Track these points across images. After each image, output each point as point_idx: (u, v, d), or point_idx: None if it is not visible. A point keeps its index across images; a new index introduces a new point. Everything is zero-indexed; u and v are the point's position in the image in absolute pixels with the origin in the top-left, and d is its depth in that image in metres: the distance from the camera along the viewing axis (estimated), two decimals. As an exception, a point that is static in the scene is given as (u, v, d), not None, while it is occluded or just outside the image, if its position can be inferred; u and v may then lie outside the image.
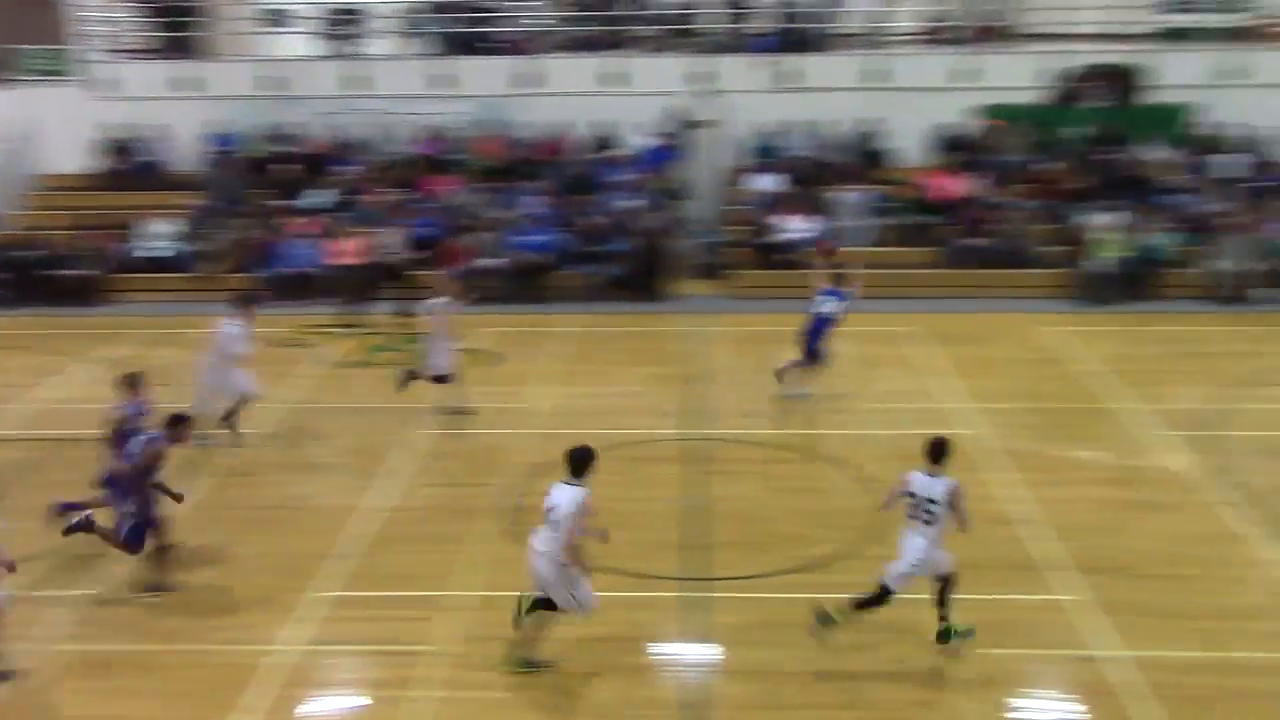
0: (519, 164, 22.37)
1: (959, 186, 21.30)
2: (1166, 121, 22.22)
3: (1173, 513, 12.05)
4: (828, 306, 15.02)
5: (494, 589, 10.31)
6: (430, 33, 23.86)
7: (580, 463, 8.94)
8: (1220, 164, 21.64)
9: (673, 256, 20.91)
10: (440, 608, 10.20)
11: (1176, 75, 22.08)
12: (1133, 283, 19.80)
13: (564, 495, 8.83)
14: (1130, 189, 21.03)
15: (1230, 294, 19.66)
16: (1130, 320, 19.04)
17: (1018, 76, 22.29)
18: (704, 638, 9.78)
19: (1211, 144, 21.98)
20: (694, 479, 12.94)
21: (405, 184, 21.94)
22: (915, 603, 9.45)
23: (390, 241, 19.84)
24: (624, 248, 20.44)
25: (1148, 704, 8.77)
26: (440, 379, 14.63)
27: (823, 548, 11.19)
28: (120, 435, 10.63)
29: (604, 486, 12.69)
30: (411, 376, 14.76)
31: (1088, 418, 14.85)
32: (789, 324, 18.95)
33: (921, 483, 9.13)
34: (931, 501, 9.06)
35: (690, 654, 9.62)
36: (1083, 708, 8.85)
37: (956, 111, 22.21)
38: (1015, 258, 20.44)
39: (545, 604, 9.10)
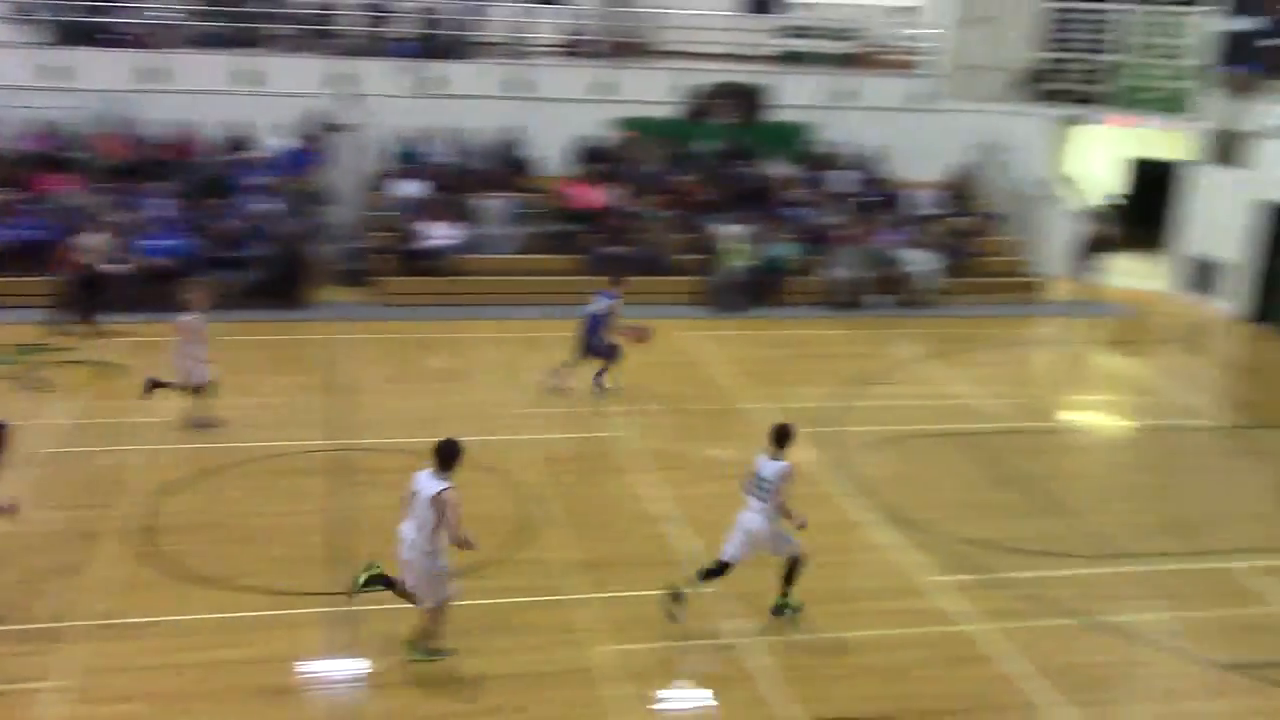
0: (145, 164, 21.05)
1: (599, 196, 21.88)
2: (787, 139, 23.73)
3: (797, 504, 12.81)
4: (597, 306, 15.69)
5: (120, 616, 9.67)
6: (43, 20, 22.08)
7: (448, 455, 8.94)
8: (834, 179, 23.34)
9: (314, 263, 20.32)
10: (61, 640, 9.46)
11: (795, 96, 23.62)
12: (759, 289, 20.99)
13: (427, 488, 8.84)
14: (756, 201, 22.31)
15: (846, 300, 21.22)
16: (758, 325, 20.18)
17: (652, 91, 23.16)
18: (352, 653, 9.56)
19: (827, 161, 23.66)
20: (339, 491, 12.63)
21: (14, 183, 20.20)
22: (551, 605, 9.62)
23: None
24: (262, 253, 19.66)
25: (780, 686, 9.32)
26: (197, 389, 14.02)
27: (467, 555, 11.13)
28: None
29: (243, 501, 12.29)
30: (155, 385, 14.06)
31: (722, 418, 15.61)
32: (435, 331, 18.82)
33: (760, 463, 9.97)
34: (765, 480, 9.86)
35: (339, 671, 9.38)
36: (723, 693, 9.31)
37: (595, 123, 22.81)
38: (653, 265, 21.18)
39: (385, 581, 9.20)
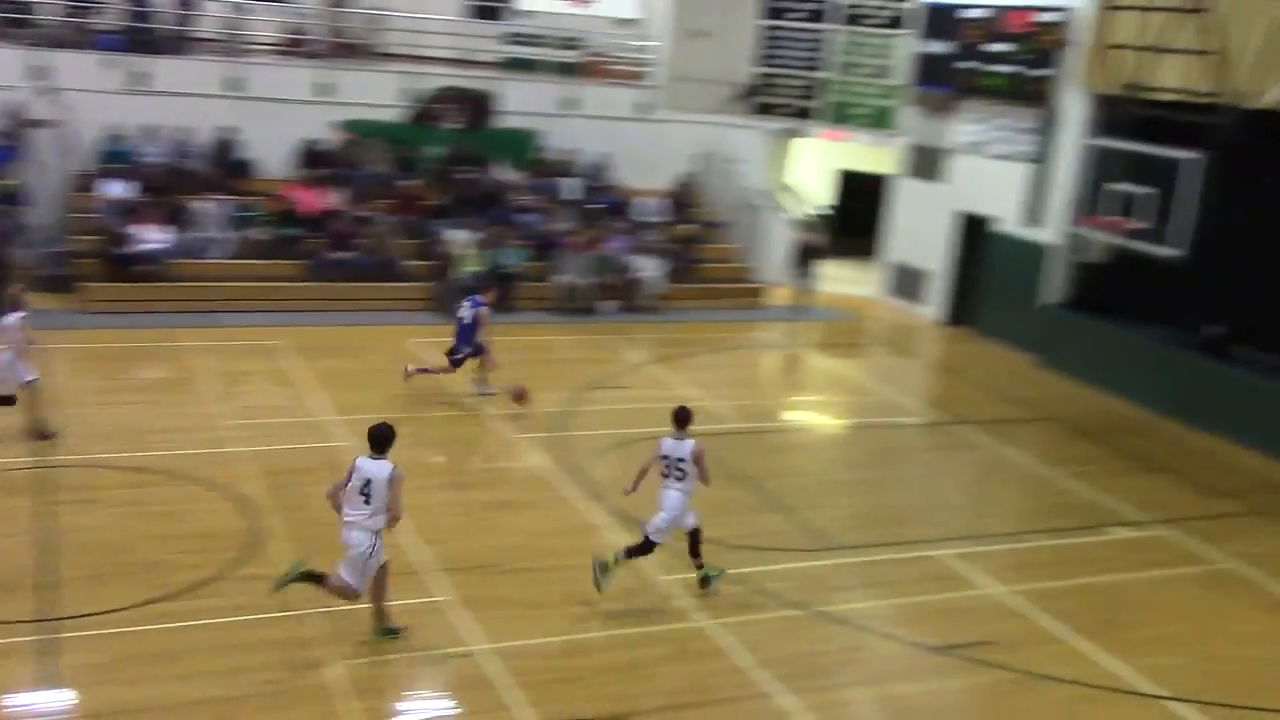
0: None
1: (322, 200, 21.32)
2: (516, 145, 23.77)
3: (532, 510, 12.91)
4: (464, 312, 16.10)
5: None
6: None
7: (382, 439, 9.61)
8: (563, 186, 23.56)
9: (12, 266, 18.90)
10: None
11: (522, 103, 23.71)
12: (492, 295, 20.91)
13: (376, 470, 9.47)
14: (485, 207, 22.27)
15: (576, 305, 21.45)
16: (492, 331, 20.07)
17: (376, 94, 22.72)
18: (56, 683, 8.94)
19: (554, 168, 23.86)
20: (41, 511, 11.80)
21: None
22: (280, 621, 9.31)
23: None
24: (-50, 257, 18.17)
25: (519, 691, 9.32)
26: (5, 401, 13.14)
27: (189, 573, 10.67)
28: None
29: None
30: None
31: (454, 424, 15.50)
32: (147, 339, 17.87)
33: (670, 446, 10.73)
34: (681, 460, 10.67)
35: (43, 704, 8.75)
36: (464, 702, 9.23)
37: (317, 125, 22.21)
38: (382, 271, 20.83)
39: (314, 577, 9.63)
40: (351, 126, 22.53)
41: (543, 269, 21.75)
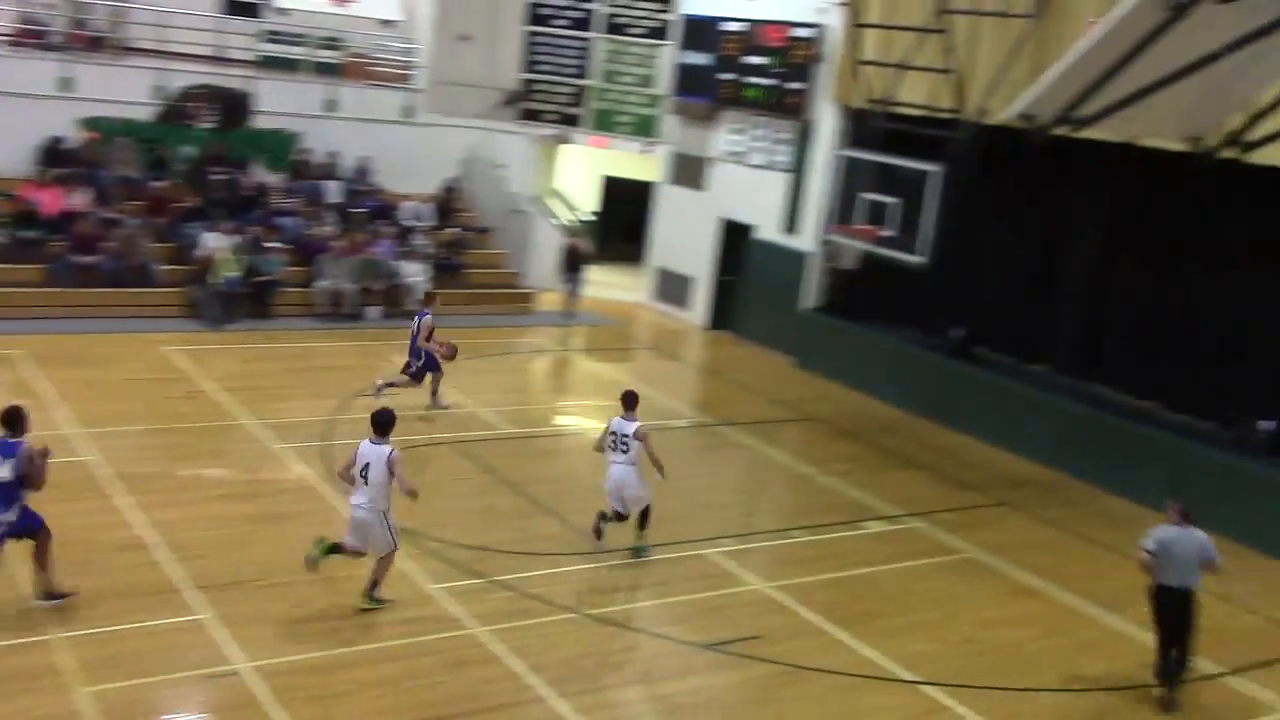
0: None
1: (65, 201, 20.12)
2: (274, 146, 23.04)
3: (296, 522, 12.50)
4: (413, 323, 16.30)
5: None
6: None
7: (384, 424, 10.52)
8: (325, 189, 22.97)
9: None
10: None
11: (281, 103, 22.99)
12: (251, 301, 20.21)
13: (375, 454, 10.36)
14: (243, 210, 21.48)
15: (339, 311, 20.93)
16: (251, 338, 19.43)
17: (124, 90, 21.60)
18: None
19: (316, 170, 23.23)
20: None
21: None
22: (30, 648, 8.74)
23: None
24: None
25: (287, 709, 9.01)
26: None
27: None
28: None
29: None
30: None
31: (213, 435, 14.87)
32: None
33: (618, 424, 12.24)
34: (625, 437, 12.10)
35: None
36: (220, 725, 8.87)
37: (61, 122, 20.95)
38: (131, 276, 19.81)
39: (337, 549, 10.59)
40: (96, 124, 21.35)
41: (304, 274, 21.13)
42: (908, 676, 10.70)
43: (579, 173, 27.86)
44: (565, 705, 9.59)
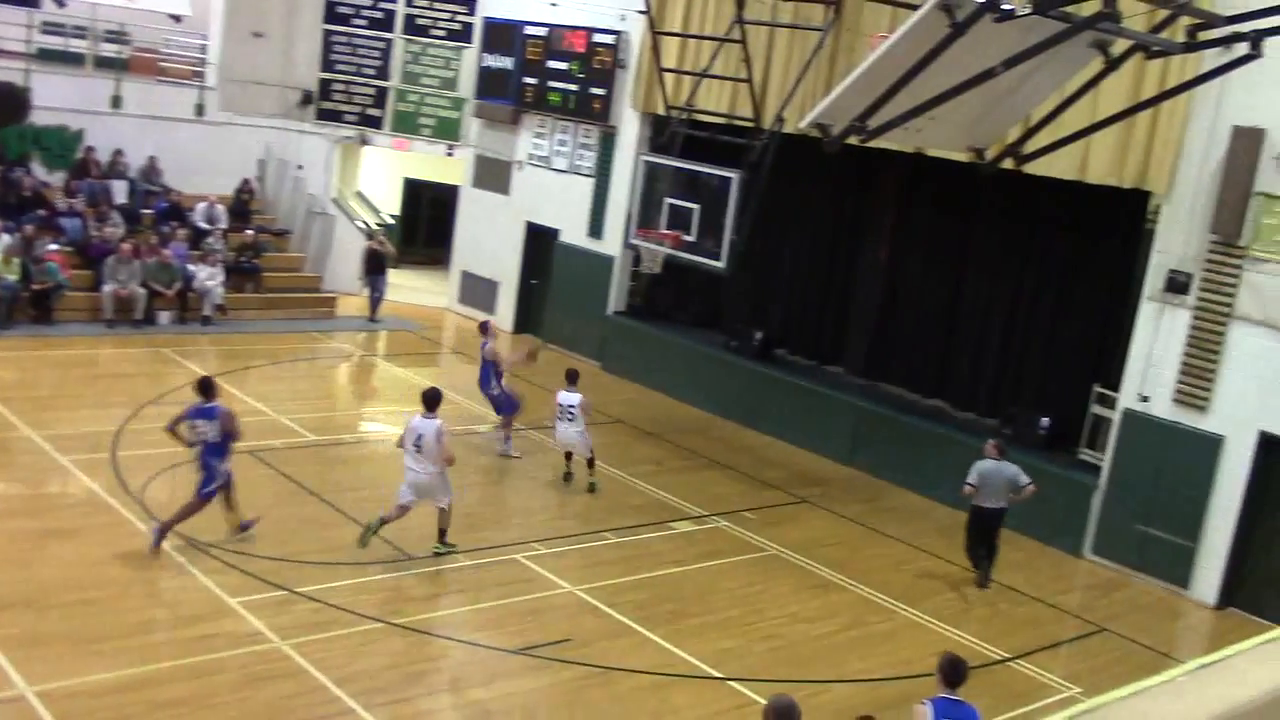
0: None
1: None
2: (55, 144, 21.89)
3: (82, 537, 11.94)
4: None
5: None
6: None
7: (433, 401, 12.23)
8: (111, 189, 21.95)
9: None
10: None
11: (64, 99, 21.85)
12: (31, 306, 19.17)
13: (426, 427, 12.02)
14: (20, 210, 20.34)
15: (127, 316, 20.03)
16: (31, 344, 18.42)
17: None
18: None
19: (102, 170, 22.18)
20: None
21: None
22: None
23: None
24: None
25: (72, 734, 8.59)
26: None
27: None
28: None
29: None
30: None
31: (-12, 449, 14.06)
32: None
33: (564, 397, 14.99)
34: (571, 407, 14.93)
35: None
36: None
37: None
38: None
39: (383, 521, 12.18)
40: None
41: (89, 277, 20.15)
42: (715, 673, 10.91)
43: (381, 175, 27.43)
44: (373, 717, 9.41)
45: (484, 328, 17.22)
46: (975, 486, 13.29)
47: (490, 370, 16.47)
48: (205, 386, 12.07)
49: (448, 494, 12.40)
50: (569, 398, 14.98)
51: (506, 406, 16.47)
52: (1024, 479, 13.41)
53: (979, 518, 13.64)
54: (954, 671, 7.67)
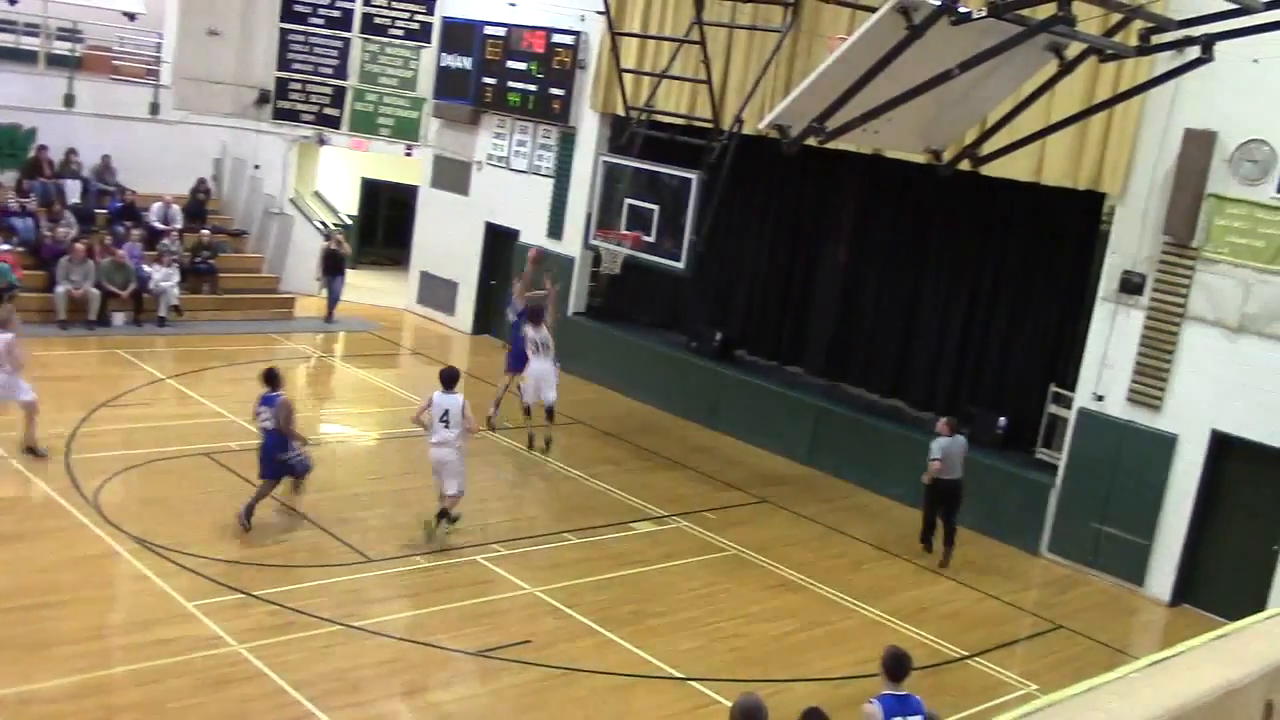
0: None
1: None
2: (6, 142, 21.58)
3: (36, 542, 11.78)
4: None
5: None
6: None
7: (451, 379, 12.83)
8: (64, 189, 21.67)
9: None
10: None
11: (13, 97, 21.54)
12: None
13: (452, 401, 12.69)
14: (-29, 210, 20.09)
15: (81, 318, 19.79)
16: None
17: None
18: None
19: (56, 169, 21.89)
20: None
21: None
22: None
23: None
24: None
25: (25, 741, 8.49)
26: None
27: None
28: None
29: None
30: None
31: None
32: None
33: (534, 335, 15.46)
34: (546, 344, 15.51)
35: None
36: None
37: None
38: None
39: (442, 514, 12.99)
40: None
41: (42, 278, 19.88)
42: (677, 674, 10.93)
43: (339, 175, 27.26)
44: (336, 719, 9.37)
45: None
46: (942, 460, 14.13)
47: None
48: (270, 377, 12.83)
49: (460, 478, 12.90)
50: (538, 335, 15.24)
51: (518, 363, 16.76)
52: (966, 449, 14.57)
53: (940, 491, 14.38)
54: (897, 666, 7.72)
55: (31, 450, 13.94)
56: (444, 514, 13.03)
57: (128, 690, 9.37)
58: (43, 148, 21.82)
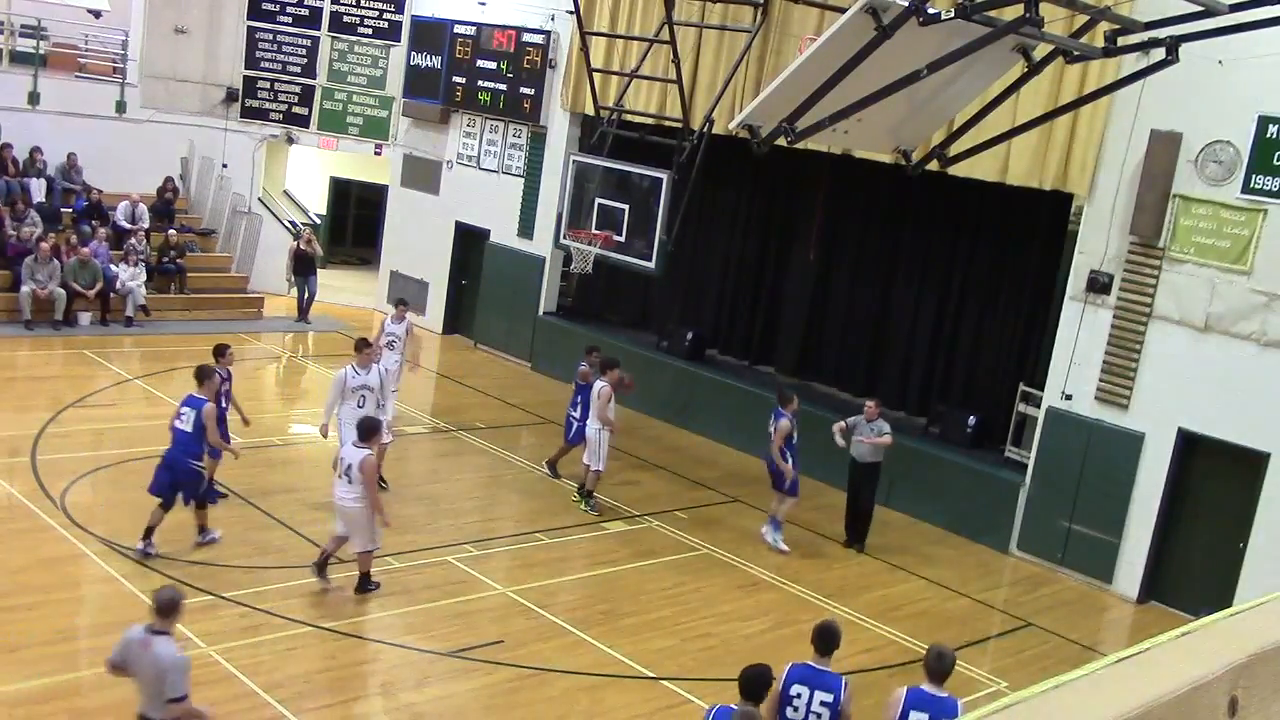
0: None
1: None
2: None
3: (3, 544, 11.68)
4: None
5: None
6: None
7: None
8: (29, 187, 21.47)
9: None
10: None
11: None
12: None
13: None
14: (-66, 209, 19.88)
15: (45, 317, 19.61)
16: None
17: None
18: None
19: (20, 167, 21.68)
20: None
21: None
22: None
23: None
24: None
25: (-8, 746, 8.41)
26: None
27: None
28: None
29: None
30: None
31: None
32: None
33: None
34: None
35: None
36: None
37: None
38: None
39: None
40: None
41: (6, 278, 19.70)
42: (649, 673, 10.93)
43: (308, 174, 27.11)
44: (306, 721, 9.33)
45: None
46: (847, 426, 14.51)
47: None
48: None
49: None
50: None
51: (779, 480, 14.52)
52: (888, 430, 14.63)
53: (854, 471, 14.72)
54: (821, 639, 7.83)
55: None
56: (582, 487, 14.52)
57: (95, 693, 9.29)
58: (7, 146, 21.60)
